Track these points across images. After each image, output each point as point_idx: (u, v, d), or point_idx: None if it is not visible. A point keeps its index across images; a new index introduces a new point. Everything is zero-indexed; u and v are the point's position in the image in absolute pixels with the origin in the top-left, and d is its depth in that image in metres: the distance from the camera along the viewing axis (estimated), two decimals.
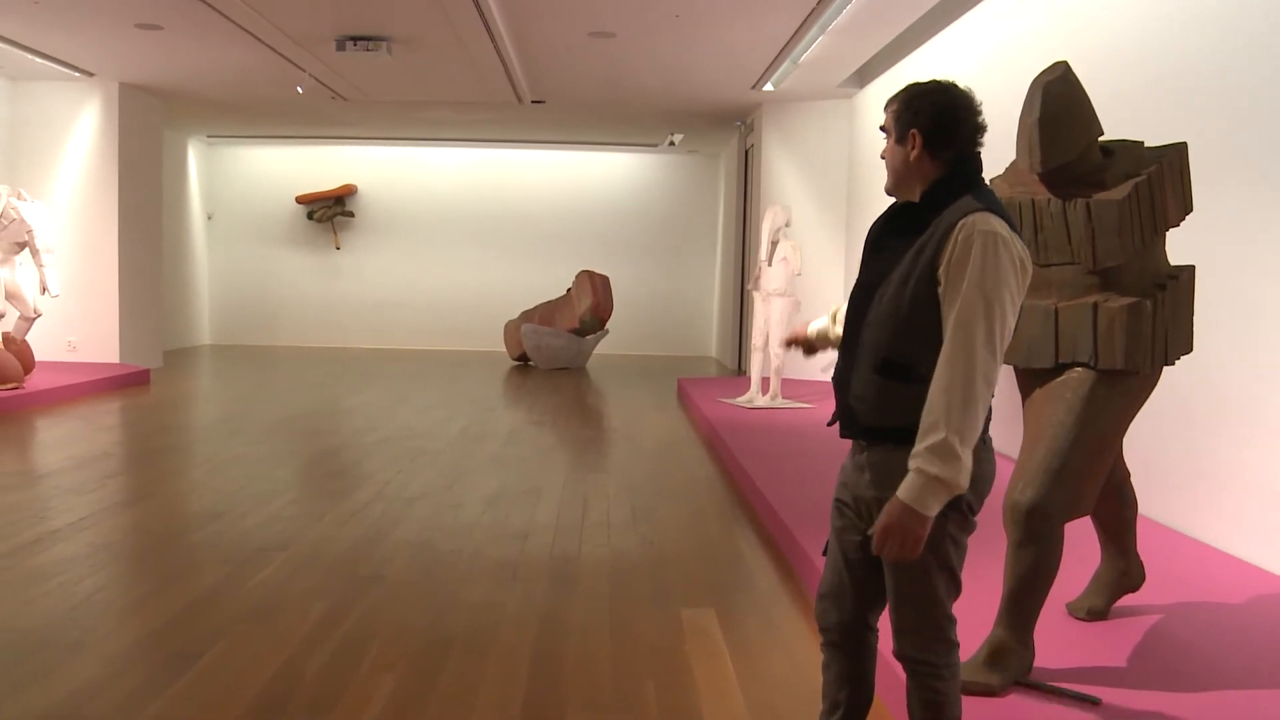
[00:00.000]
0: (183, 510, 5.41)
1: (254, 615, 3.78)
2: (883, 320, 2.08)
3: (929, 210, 2.10)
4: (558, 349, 13.55)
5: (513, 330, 14.22)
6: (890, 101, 2.16)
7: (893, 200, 2.24)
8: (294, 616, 3.77)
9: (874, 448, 2.12)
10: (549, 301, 14.18)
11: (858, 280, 2.19)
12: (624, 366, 14.39)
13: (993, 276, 1.97)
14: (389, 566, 4.46)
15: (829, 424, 2.33)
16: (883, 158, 2.18)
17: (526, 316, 14.12)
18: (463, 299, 16.52)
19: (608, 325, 13.91)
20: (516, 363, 14.29)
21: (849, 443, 2.26)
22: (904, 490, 1.98)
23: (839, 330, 2.46)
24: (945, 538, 2.09)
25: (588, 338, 13.78)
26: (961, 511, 2.09)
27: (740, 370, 13.63)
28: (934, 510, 1.98)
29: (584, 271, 13.75)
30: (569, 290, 14.00)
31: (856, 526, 2.21)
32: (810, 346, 2.52)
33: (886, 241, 2.15)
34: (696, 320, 16.72)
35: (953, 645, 2.14)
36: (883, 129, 2.17)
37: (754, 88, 10.93)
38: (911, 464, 1.98)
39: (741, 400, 9.17)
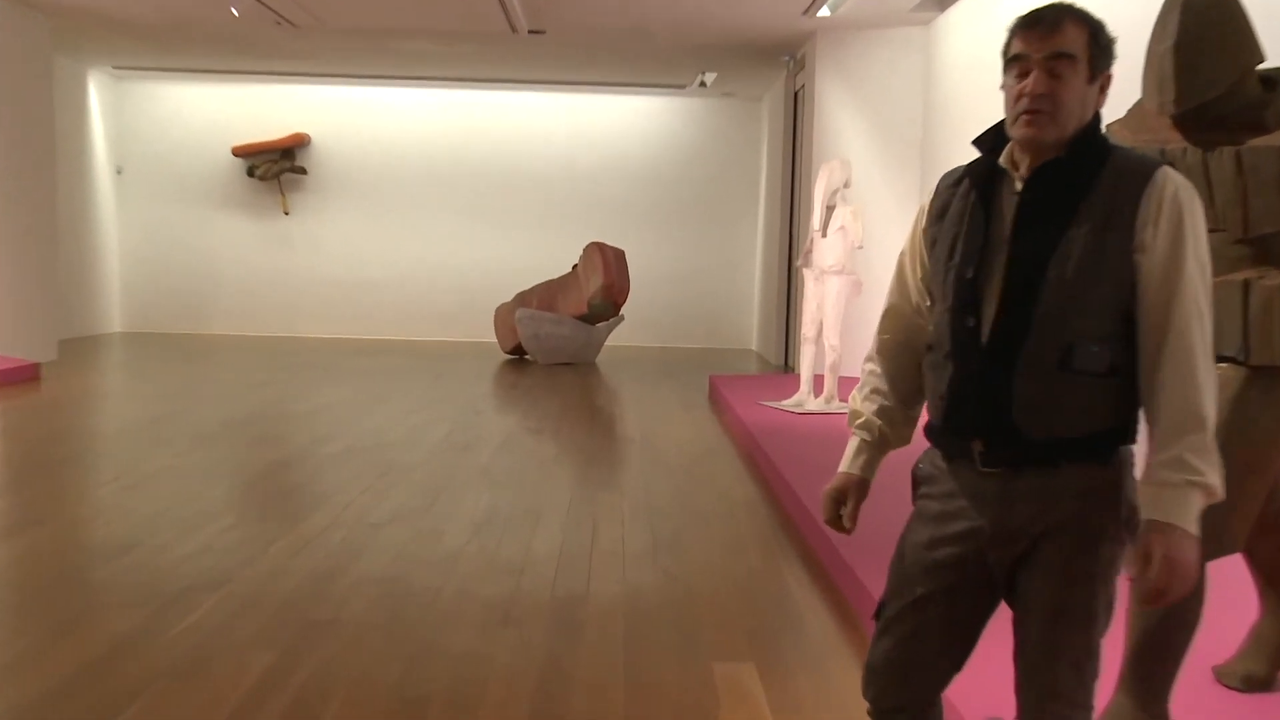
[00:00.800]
0: (85, 540, 5.40)
1: (179, 671, 3.75)
2: (1068, 302, 2.04)
3: (1089, 165, 2.09)
4: (561, 339, 13.57)
5: (505, 317, 14.25)
6: (1072, 20, 2.07)
7: (979, 154, 2.19)
8: (230, 672, 3.75)
9: (1046, 468, 2.08)
10: (550, 281, 14.20)
11: (972, 260, 2.12)
12: (642, 361, 14.41)
13: (1204, 243, 2.05)
14: (351, 608, 4.46)
15: (930, 459, 2.25)
16: (1030, 94, 2.06)
17: (522, 300, 14.14)
18: (443, 278, 16.59)
19: (622, 310, 13.91)
20: (510, 356, 14.32)
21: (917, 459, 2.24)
22: (1171, 510, 1.98)
23: (899, 408, 2.37)
24: (1115, 570, 2.09)
25: (598, 325, 13.80)
26: (1134, 531, 2.07)
27: (787, 366, 13.60)
28: (1197, 531, 2.00)
29: (594, 244, 13.77)
30: (575, 267, 14.02)
31: (984, 582, 2.17)
32: (862, 490, 2.40)
33: (1039, 208, 2.11)
34: (733, 304, 16.73)
35: (1091, 712, 2.13)
36: (1061, 55, 2.05)
37: (806, 13, 10.87)
38: (1169, 474, 1.98)
39: (789, 404, 9.16)
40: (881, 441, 2.38)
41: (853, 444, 2.40)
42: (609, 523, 5.89)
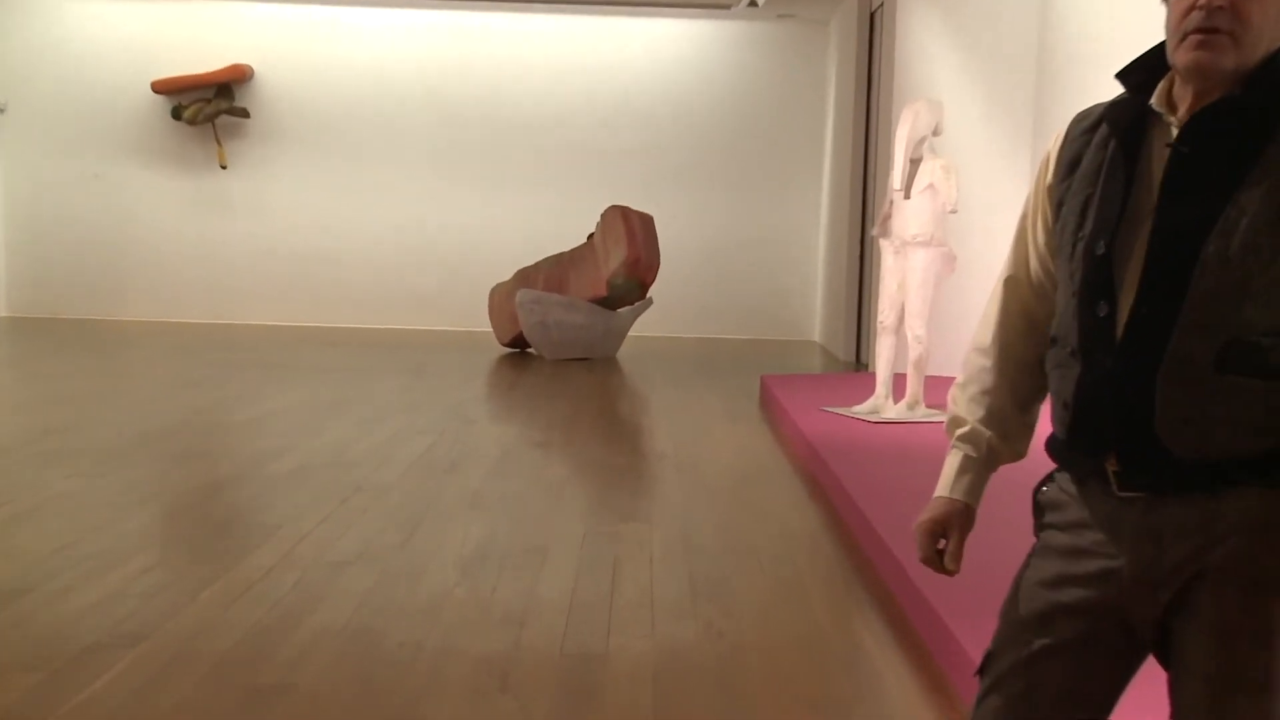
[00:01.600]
0: None
1: None
2: (1231, 287, 2.01)
3: (1274, 106, 2.02)
4: (573, 329, 13.59)
5: (503, 300, 14.29)
6: None
7: (1123, 94, 2.16)
8: None
9: (1201, 495, 2.06)
10: (560, 255, 14.26)
11: (1106, 231, 2.09)
12: (676, 356, 14.43)
13: None
14: (305, 671, 4.46)
15: (1055, 481, 2.24)
16: (1205, 5, 2.00)
17: (525, 279, 14.18)
18: (424, 250, 16.69)
19: (651, 292, 13.91)
20: (509, 349, 14.38)
21: (1026, 484, 2.24)
22: None
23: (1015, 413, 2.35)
24: None
25: (620, 311, 13.85)
26: None
27: (859, 363, 13.55)
28: None
29: (615, 208, 13.78)
30: (591, 237, 14.05)
31: (1123, 637, 2.16)
32: (966, 520, 2.38)
33: (1199, 164, 2.06)
34: (790, 285, 16.76)
35: None
36: None
37: None
38: None
39: (862, 410, 9.16)
40: (990, 457, 2.36)
41: (953, 461, 2.38)
42: (634, 562, 5.88)
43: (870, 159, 13.51)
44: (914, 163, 9.00)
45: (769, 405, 10.52)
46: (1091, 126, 2.20)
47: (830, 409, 9.34)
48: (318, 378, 11.90)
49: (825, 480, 7.42)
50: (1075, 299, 2.12)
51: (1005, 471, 2.43)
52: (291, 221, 16.67)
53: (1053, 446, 2.22)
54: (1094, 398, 2.10)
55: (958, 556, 2.34)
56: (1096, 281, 2.09)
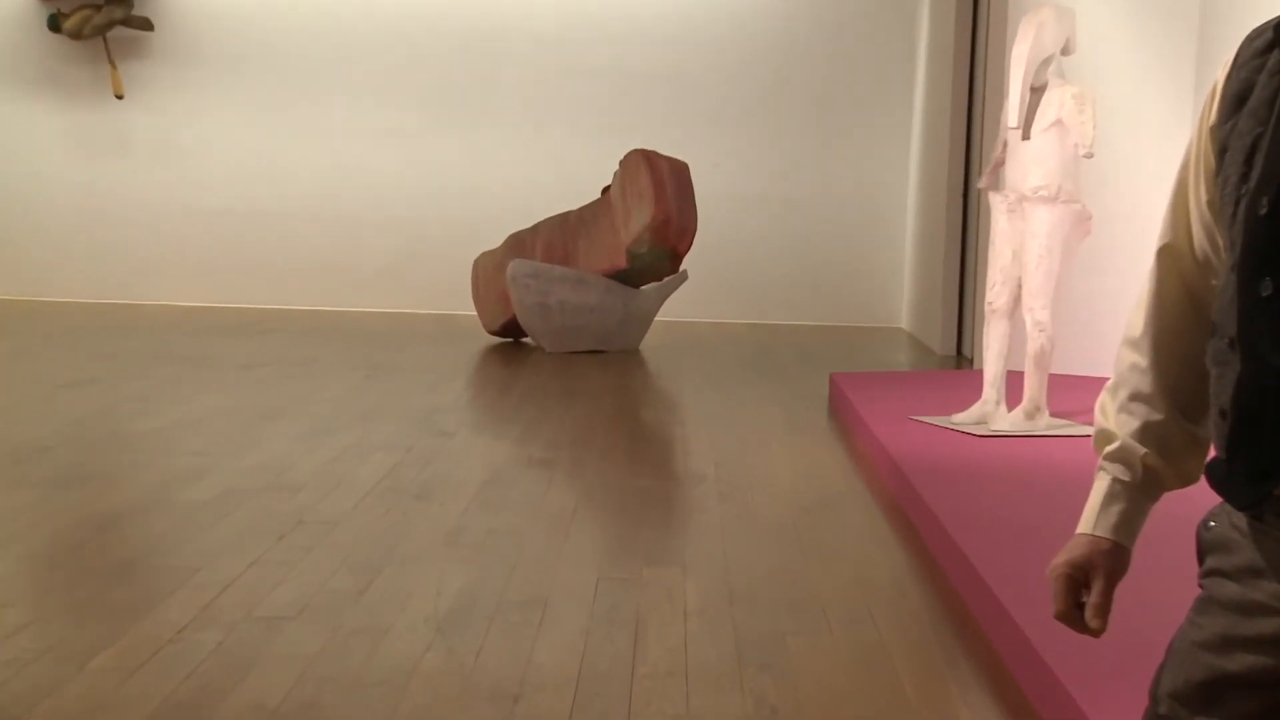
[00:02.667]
0: None
1: None
2: None
3: None
4: (583, 311, 13.62)
5: (492, 274, 14.33)
6: None
7: None
8: None
9: None
10: (566, 215, 14.28)
11: (1274, 184, 2.07)
12: (718, 348, 14.46)
13: None
14: None
15: (1224, 514, 2.24)
16: None
17: (519, 245, 14.22)
18: (389, 208, 16.75)
19: (684, 264, 13.89)
20: (499, 339, 14.43)
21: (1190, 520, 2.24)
22: None
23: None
24: None
25: (645, 289, 13.89)
26: None
27: (961, 357, 13.51)
28: None
29: (638, 153, 13.77)
30: (607, 191, 14.06)
31: None
32: (1117, 563, 2.39)
33: None
34: (869, 255, 16.79)
35: None
36: None
37: None
38: None
39: (965, 420, 9.18)
40: (1148, 482, 2.36)
41: (1101, 486, 2.38)
42: (663, 619, 5.88)
43: (977, 88, 13.46)
44: (1036, 91, 8.97)
45: (841, 413, 10.52)
46: (1266, 48, 2.19)
47: (922, 418, 9.35)
48: (245, 376, 11.94)
49: (915, 512, 7.40)
50: (1235, 274, 2.11)
51: (1169, 501, 2.42)
52: (210, 170, 16.74)
53: (1213, 469, 2.21)
54: (1258, 403, 2.10)
55: (1103, 611, 2.32)
56: (1260, 251, 2.08)
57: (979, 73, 13.36)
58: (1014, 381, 9.25)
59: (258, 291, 16.61)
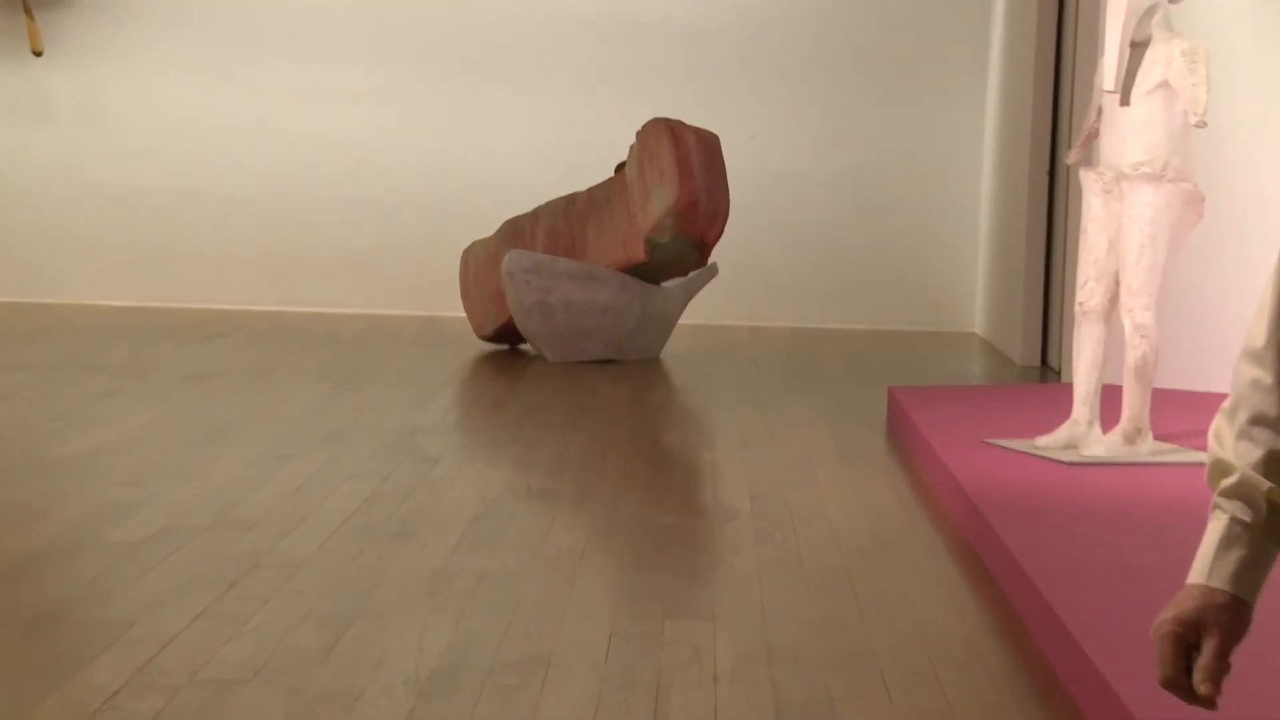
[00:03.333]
0: None
1: None
2: None
3: None
4: (593, 313, 13.62)
5: (483, 268, 14.35)
6: None
7: None
8: None
9: None
10: (572, 197, 14.29)
11: None
12: (755, 356, 14.47)
13: None
14: None
15: None
16: None
17: (517, 234, 14.24)
18: (360, 188, 16.76)
19: (714, 256, 13.88)
20: (492, 345, 14.46)
21: None
22: None
23: None
24: None
25: (668, 285, 13.92)
26: None
27: (1046, 368, 13.49)
28: None
29: (659, 123, 13.78)
30: (621, 169, 14.08)
31: None
32: (1236, 620, 2.37)
33: None
34: (936, 247, 16.80)
35: None
36: None
37: None
38: None
39: (1052, 444, 9.16)
40: (1276, 523, 2.35)
41: (1216, 528, 2.38)
42: (688, 682, 5.87)
43: (1065, 44, 13.43)
44: (1137, 47, 8.92)
45: (902, 434, 10.53)
46: None
47: (999, 442, 9.33)
48: (188, 390, 11.92)
49: (990, 555, 7.38)
50: None
51: None
52: (145, 141, 16.76)
53: None
54: None
55: (1217, 677, 2.31)
56: None
57: (1068, 25, 13.34)
58: (1110, 397, 9.23)
59: (203, 288, 16.61)
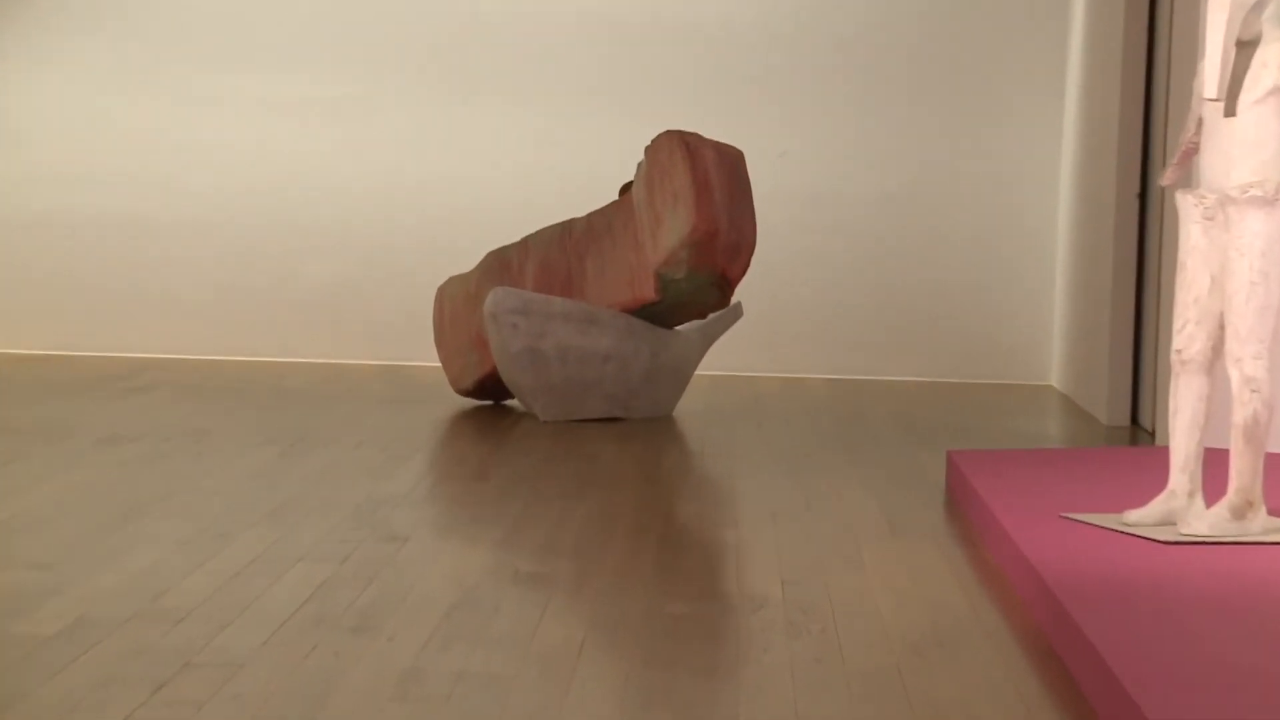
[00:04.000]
0: None
1: None
2: None
3: None
4: (593, 361, 13.67)
5: (461, 308, 14.43)
6: None
7: None
8: None
9: None
10: (569, 225, 14.36)
11: None
12: (787, 413, 14.53)
13: None
14: None
15: None
16: None
17: (501, 267, 14.30)
18: (318, 214, 16.84)
19: (738, 295, 13.90)
20: (472, 401, 14.52)
21: None
22: None
23: None
24: None
25: (682, 330, 13.97)
26: None
27: (1137, 427, 13.50)
28: None
29: (671, 137, 13.80)
30: (627, 191, 14.11)
31: None
32: None
33: None
34: (1004, 286, 16.85)
35: None
36: None
37: None
38: None
39: (1142, 519, 9.16)
40: None
41: None
42: None
43: (1157, 45, 13.47)
44: (1245, 47, 8.95)
45: (963, 508, 10.54)
46: None
47: (1080, 517, 9.32)
48: (108, 454, 11.94)
49: (1071, 654, 7.34)
50: None
51: None
52: (53, 158, 16.85)
53: None
54: None
55: None
56: None
57: (1161, 21, 13.37)
58: (1215, 463, 9.22)
59: (125, 333, 16.67)
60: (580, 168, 15.62)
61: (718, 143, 13.70)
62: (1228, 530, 8.83)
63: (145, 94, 16.59)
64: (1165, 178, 9.77)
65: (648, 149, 13.86)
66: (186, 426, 13.09)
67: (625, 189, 14.01)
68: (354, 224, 16.50)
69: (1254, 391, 8.77)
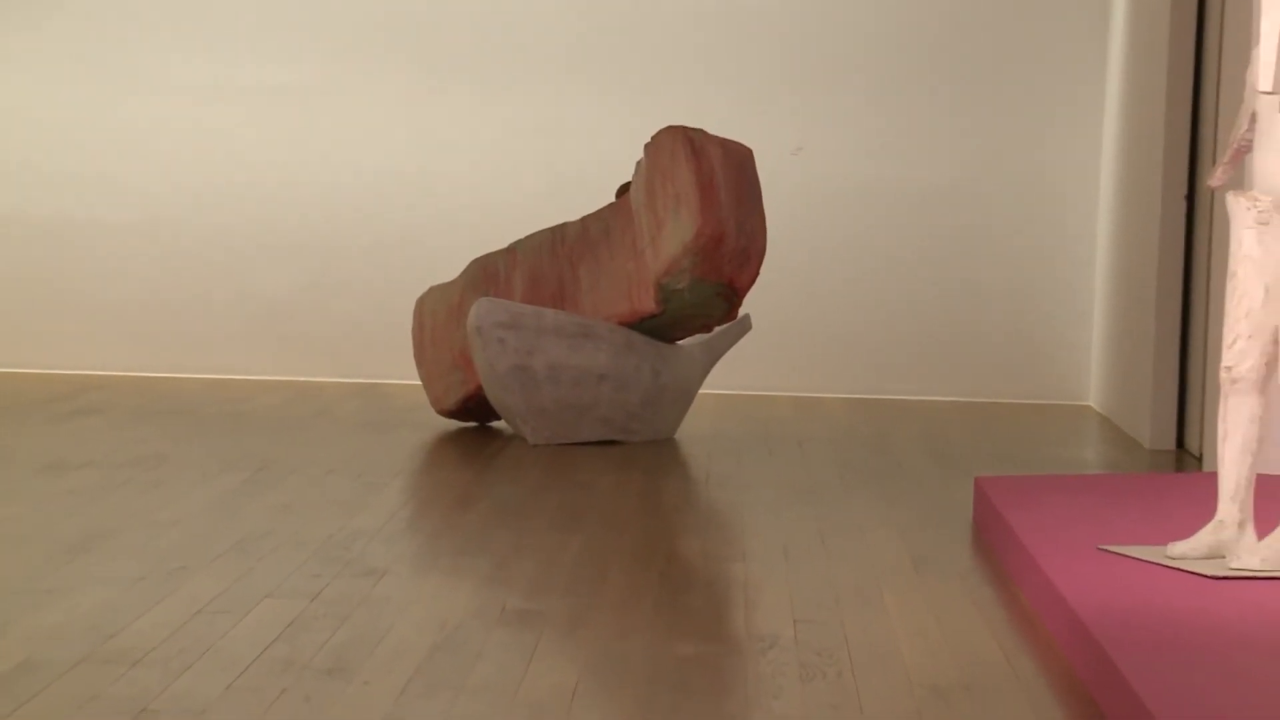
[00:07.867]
0: None
1: None
2: None
3: None
4: (587, 380, 13.69)
5: (443, 322, 14.45)
6: None
7: None
8: None
9: None
10: (560, 229, 14.38)
11: None
12: (801, 436, 14.53)
13: None
14: None
15: None
16: None
17: (486, 276, 14.33)
18: (278, 217, 16.80)
19: (746, 307, 13.92)
20: (455, 423, 14.56)
21: None
22: None
23: None
24: None
25: (684, 344, 14.03)
26: None
27: (1183, 451, 13.52)
28: None
29: (673, 132, 13.85)
30: (624, 192, 14.16)
31: None
32: None
33: None
34: (1037, 296, 16.84)
35: None
36: None
37: None
38: None
39: (1188, 551, 9.16)
40: None
41: None
42: None
43: (1207, 36, 13.50)
44: None
45: (993, 540, 10.55)
46: None
47: (1120, 549, 9.34)
48: (51, 484, 11.95)
49: (1109, 699, 7.33)
50: None
51: None
52: (4, 155, 16.84)
53: None
54: None
55: None
56: None
57: (1211, 11, 13.39)
58: (1268, 491, 9.26)
59: (69, 348, 16.67)
60: (573, 166, 15.61)
61: (724, 139, 13.71)
62: None
63: (85, 82, 16.59)
64: (1215, 178, 9.79)
65: (647, 147, 13.87)
66: (137, 453, 13.08)
67: (623, 190, 14.02)
68: (322, 226, 16.48)
69: None
